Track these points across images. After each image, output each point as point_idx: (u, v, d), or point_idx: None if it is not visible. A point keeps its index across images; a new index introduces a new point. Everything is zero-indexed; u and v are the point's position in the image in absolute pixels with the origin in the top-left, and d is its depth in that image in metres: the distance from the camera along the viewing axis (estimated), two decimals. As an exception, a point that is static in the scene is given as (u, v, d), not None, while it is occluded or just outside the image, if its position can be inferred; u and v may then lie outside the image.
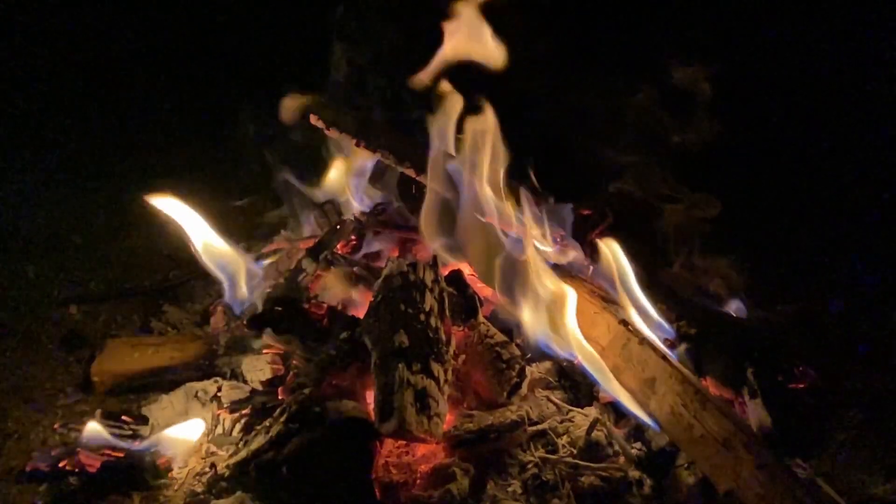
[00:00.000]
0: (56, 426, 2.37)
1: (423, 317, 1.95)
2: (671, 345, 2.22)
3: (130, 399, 2.51)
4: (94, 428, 2.15)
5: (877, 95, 3.97)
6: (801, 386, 2.26)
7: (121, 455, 2.08)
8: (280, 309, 2.31)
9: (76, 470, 2.06)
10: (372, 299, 2.08)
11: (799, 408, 2.21)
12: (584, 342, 2.16)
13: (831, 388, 2.31)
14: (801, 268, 3.26)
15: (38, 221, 3.68)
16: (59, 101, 4.48)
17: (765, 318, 2.58)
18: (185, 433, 2.15)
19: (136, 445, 2.12)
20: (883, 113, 3.87)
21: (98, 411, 2.38)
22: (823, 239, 3.43)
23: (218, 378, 2.47)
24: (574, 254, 2.63)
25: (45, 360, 2.75)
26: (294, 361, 2.36)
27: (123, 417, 2.26)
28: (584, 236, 2.93)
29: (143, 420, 2.28)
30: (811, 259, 3.32)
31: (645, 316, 2.31)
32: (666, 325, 2.31)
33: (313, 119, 2.80)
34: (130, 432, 2.21)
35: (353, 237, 3.08)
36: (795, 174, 3.90)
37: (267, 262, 3.06)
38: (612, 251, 2.50)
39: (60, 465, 2.09)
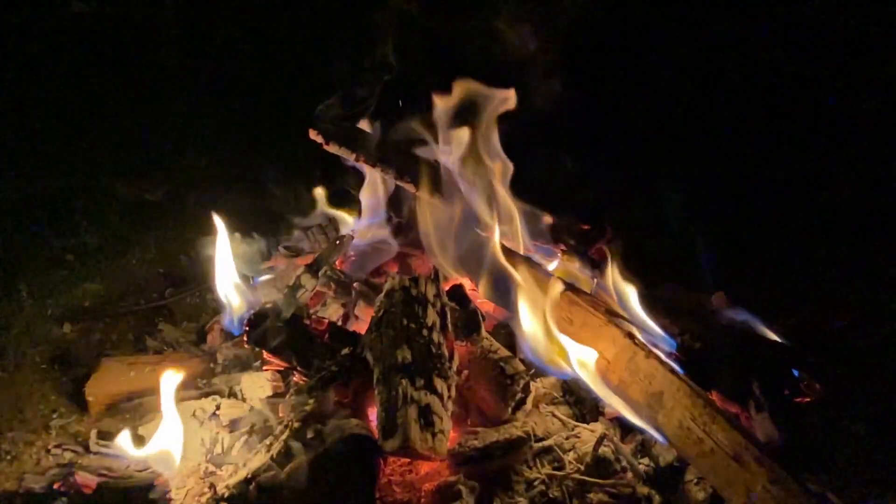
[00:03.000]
0: (50, 447, 2.33)
1: (425, 332, 1.93)
2: (677, 358, 2.19)
3: (126, 419, 2.47)
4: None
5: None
6: (808, 400, 2.24)
7: (117, 475, 2.03)
8: (280, 325, 2.28)
9: (71, 491, 2.02)
10: (373, 315, 2.05)
11: (805, 422, 2.19)
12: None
13: (838, 402, 2.29)
14: (806, 280, 3.25)
15: (31, 238, 3.64)
16: (54, 119, 4.45)
17: (770, 330, 2.55)
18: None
19: (133, 465, 2.08)
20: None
21: (93, 432, 2.34)
22: (828, 250, 3.42)
23: (216, 396, 2.43)
24: (576, 267, 2.62)
25: (39, 380, 2.70)
26: (295, 378, 2.32)
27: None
28: (584, 250, 2.92)
29: (140, 440, 2.24)
30: (816, 271, 3.31)
31: (648, 329, 2.29)
32: (670, 338, 2.29)
33: (312, 134, 2.78)
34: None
35: (351, 253, 3.06)
36: (800, 183, 3.91)
37: (265, 278, 3.03)
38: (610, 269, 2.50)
39: (55, 486, 2.04)
